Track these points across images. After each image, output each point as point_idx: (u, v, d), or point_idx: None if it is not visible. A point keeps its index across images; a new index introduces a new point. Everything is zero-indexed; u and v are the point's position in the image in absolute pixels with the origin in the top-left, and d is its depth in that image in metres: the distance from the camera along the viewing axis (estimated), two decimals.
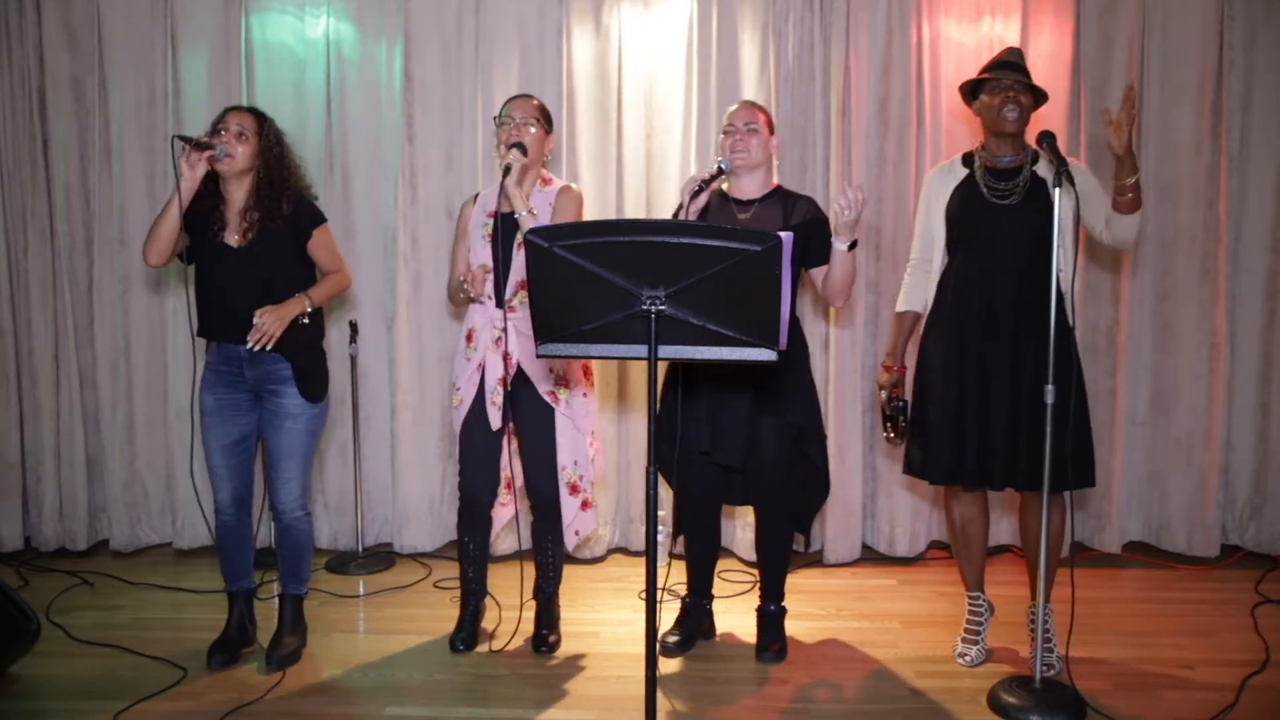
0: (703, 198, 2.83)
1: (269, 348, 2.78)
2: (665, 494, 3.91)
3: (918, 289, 3.04)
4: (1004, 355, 2.80)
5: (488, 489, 3.10)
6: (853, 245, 2.77)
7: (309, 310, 2.86)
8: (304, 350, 2.91)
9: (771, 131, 2.99)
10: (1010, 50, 2.94)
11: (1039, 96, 2.86)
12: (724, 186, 3.02)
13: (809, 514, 3.12)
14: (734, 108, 3.01)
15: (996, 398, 2.81)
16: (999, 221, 2.82)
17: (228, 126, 2.83)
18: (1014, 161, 2.85)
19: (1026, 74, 2.85)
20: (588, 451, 3.10)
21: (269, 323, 2.76)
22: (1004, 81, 2.82)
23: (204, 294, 2.89)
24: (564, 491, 3.05)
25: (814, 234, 2.88)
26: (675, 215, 2.97)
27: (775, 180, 3.08)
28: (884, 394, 3.06)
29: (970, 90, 2.93)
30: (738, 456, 2.90)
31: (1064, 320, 2.73)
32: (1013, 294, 2.80)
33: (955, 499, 3.00)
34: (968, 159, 2.95)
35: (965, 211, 2.87)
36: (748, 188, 2.97)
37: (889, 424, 3.06)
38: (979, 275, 2.84)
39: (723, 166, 2.87)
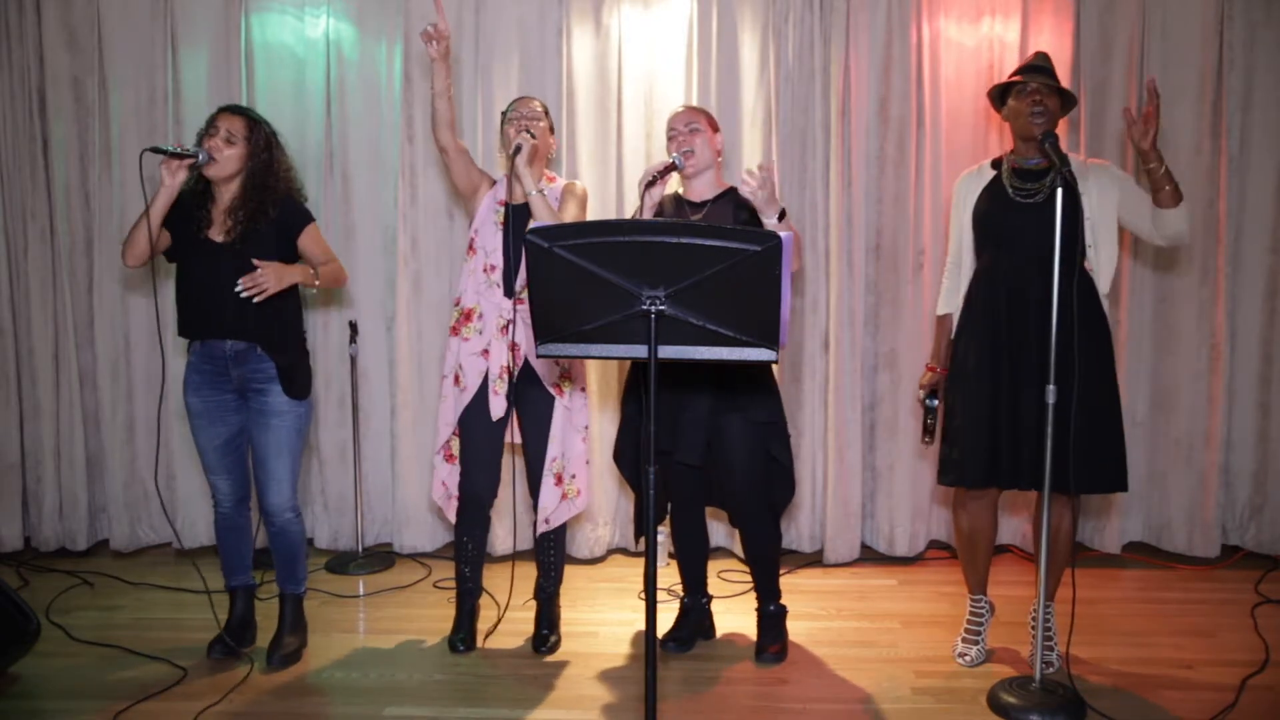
0: (657, 192, 2.84)
1: (256, 299, 2.71)
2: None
3: (954, 292, 3.03)
4: (1038, 352, 2.79)
5: (488, 488, 3.09)
6: (781, 215, 2.74)
7: (315, 283, 2.85)
8: (289, 347, 2.90)
9: (716, 130, 3.00)
10: (1038, 55, 2.93)
11: (1066, 101, 2.85)
12: (679, 190, 3.03)
13: (775, 515, 3.11)
14: (676, 110, 3.04)
15: (1029, 397, 2.79)
16: (1025, 220, 2.81)
17: (217, 129, 2.81)
18: (1041, 163, 2.84)
19: (1054, 78, 2.84)
20: (579, 447, 3.10)
21: (268, 276, 2.72)
22: (1029, 85, 2.80)
23: (187, 290, 2.86)
24: (548, 480, 3.05)
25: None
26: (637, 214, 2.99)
27: (726, 182, 3.07)
28: (922, 394, 3.05)
29: (998, 96, 2.93)
30: (697, 456, 2.90)
31: (1099, 319, 2.77)
32: (1042, 292, 2.78)
33: (964, 505, 2.98)
34: (997, 163, 2.95)
35: (991, 212, 2.87)
36: (699, 189, 2.98)
37: (926, 425, 3.05)
38: (1008, 275, 2.84)
39: (676, 161, 2.88)
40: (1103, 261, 2.81)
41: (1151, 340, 3.99)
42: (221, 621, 3.08)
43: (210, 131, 2.83)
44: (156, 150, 2.72)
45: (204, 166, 2.78)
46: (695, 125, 2.94)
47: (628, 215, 3.92)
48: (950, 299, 3.05)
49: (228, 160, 2.80)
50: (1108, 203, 2.80)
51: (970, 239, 2.95)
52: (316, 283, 2.87)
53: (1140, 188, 2.86)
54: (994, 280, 2.87)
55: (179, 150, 2.74)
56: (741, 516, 3.01)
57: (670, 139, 2.96)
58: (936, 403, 3.02)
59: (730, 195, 2.98)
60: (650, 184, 2.81)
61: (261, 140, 2.86)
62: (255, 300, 2.72)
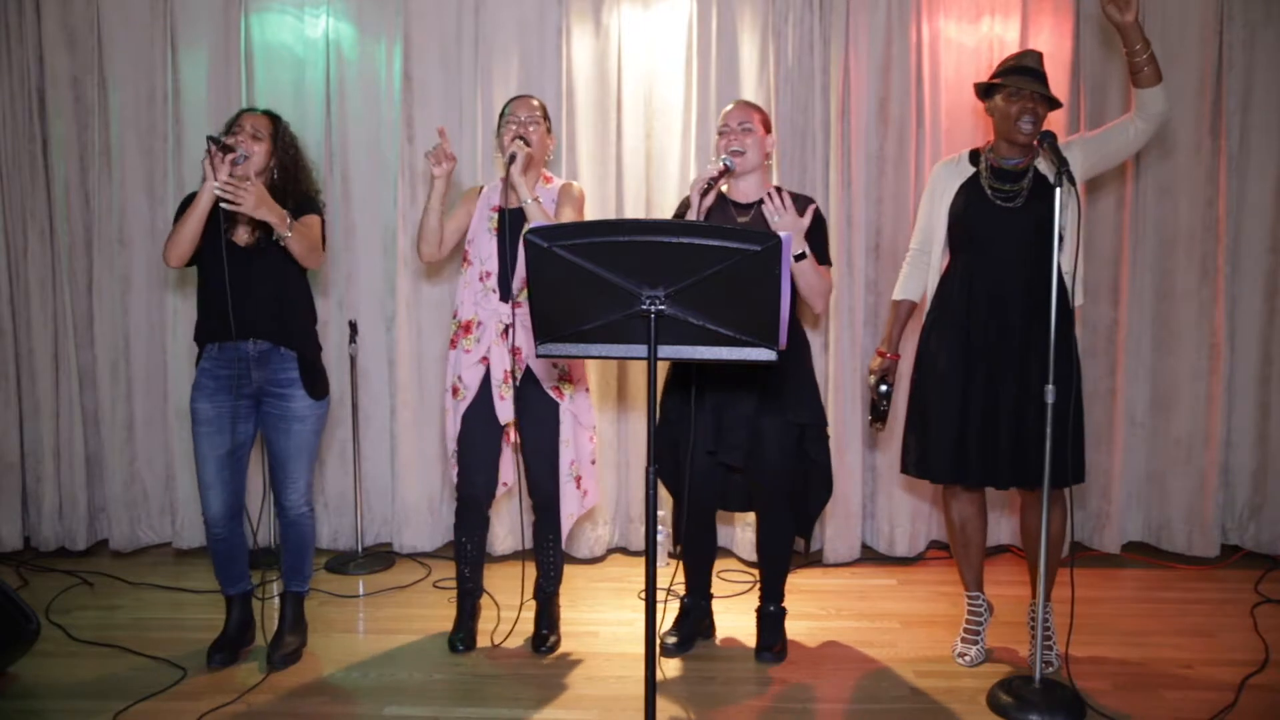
0: (710, 196, 2.82)
1: (228, 200, 2.61)
2: (664, 494, 3.92)
3: (915, 279, 3.03)
4: (1012, 355, 2.80)
5: (487, 488, 3.10)
6: (799, 256, 2.74)
7: (286, 232, 2.71)
8: (308, 339, 2.92)
9: (768, 130, 2.97)
10: (1030, 54, 2.88)
11: (1052, 103, 2.84)
12: (724, 189, 3.01)
13: (810, 516, 3.11)
14: (729, 107, 3.00)
15: (1004, 397, 2.80)
16: (1003, 224, 2.81)
17: (243, 127, 2.84)
18: (1020, 164, 2.84)
19: (1045, 82, 2.82)
20: (588, 447, 3.11)
21: (249, 192, 2.61)
22: (1023, 92, 2.78)
23: (209, 293, 2.86)
24: (569, 485, 3.05)
25: (809, 233, 2.84)
26: (681, 214, 2.97)
27: (774, 182, 3.05)
28: (873, 378, 3.05)
29: (985, 88, 2.90)
30: (740, 456, 2.90)
31: (1068, 318, 2.74)
32: (1020, 294, 2.79)
33: (954, 498, 3.00)
34: (974, 156, 2.93)
35: (969, 213, 2.86)
36: (746, 190, 2.96)
37: (874, 410, 3.05)
38: (985, 276, 2.83)
39: (727, 164, 2.84)
40: (1071, 234, 2.78)
41: (1151, 340, 3.99)
42: (221, 623, 3.07)
43: (235, 130, 2.84)
44: (214, 140, 2.70)
45: (238, 165, 2.77)
46: (748, 124, 2.91)
47: (627, 215, 3.93)
48: (907, 286, 3.05)
49: (256, 156, 2.82)
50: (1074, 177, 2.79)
51: (943, 233, 2.93)
52: (288, 234, 2.72)
53: (1096, 132, 2.85)
54: (970, 280, 2.86)
55: (226, 143, 2.74)
56: (767, 514, 3.01)
57: (721, 134, 2.93)
58: (886, 388, 3.01)
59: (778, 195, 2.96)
60: (705, 190, 2.78)
61: (287, 138, 2.91)
62: (224, 204, 2.63)
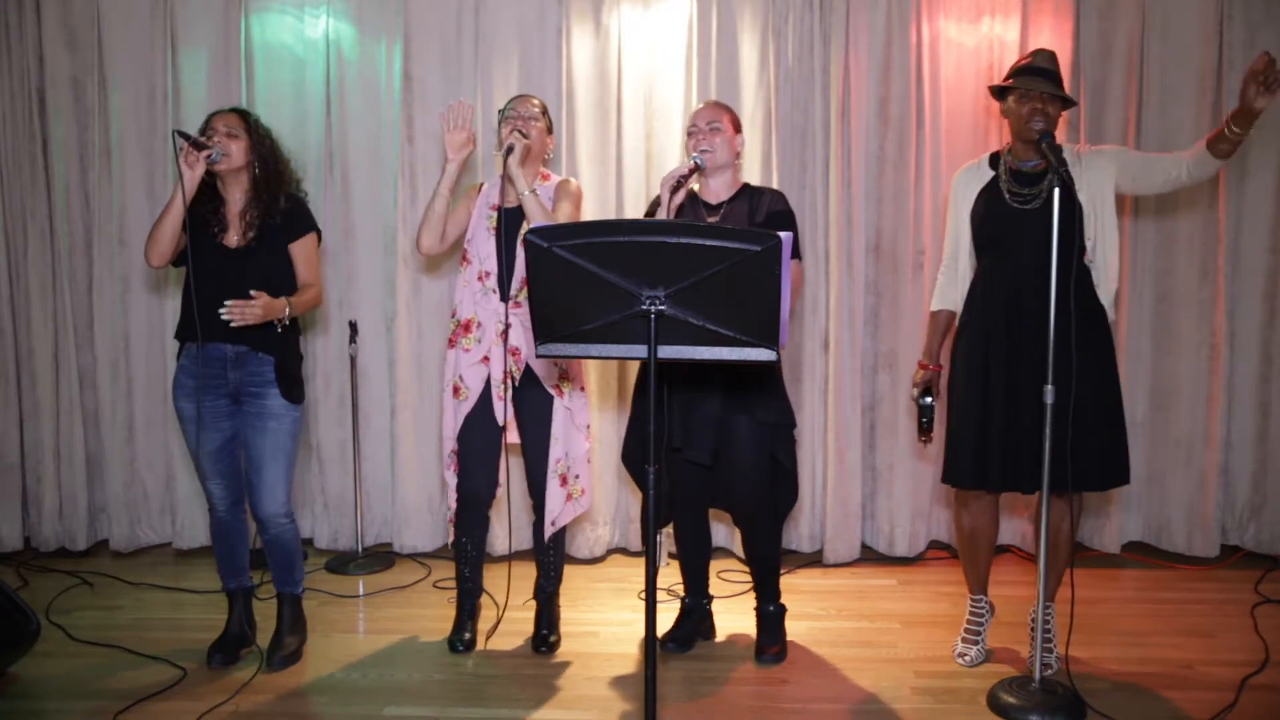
0: (680, 194, 2.83)
1: (234, 324, 2.71)
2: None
3: (950, 288, 3.02)
4: (1034, 358, 2.78)
5: (487, 489, 3.09)
6: None
7: (286, 317, 2.83)
8: (287, 347, 2.91)
9: (737, 130, 2.98)
10: (1041, 54, 2.86)
11: (1066, 101, 2.83)
12: (695, 188, 3.02)
13: (779, 520, 3.09)
14: (698, 107, 3.02)
15: (1026, 401, 2.78)
16: (1023, 227, 2.80)
17: (216, 129, 2.84)
18: (1038, 166, 2.83)
19: (1059, 82, 2.81)
20: (583, 446, 3.10)
21: (257, 308, 2.72)
22: (1033, 92, 2.78)
23: (198, 293, 2.84)
24: (554, 483, 3.04)
25: (777, 228, 2.83)
26: (651, 212, 2.97)
27: (743, 179, 3.06)
28: (915, 391, 3.04)
29: (999, 91, 2.90)
30: (707, 455, 2.90)
31: (1098, 311, 2.79)
32: (1039, 297, 2.77)
33: (965, 505, 2.98)
34: (994, 160, 2.94)
35: (989, 216, 2.86)
36: (716, 189, 2.97)
37: (919, 423, 3.05)
38: (1006, 279, 2.83)
39: (698, 161, 2.85)
40: (1107, 251, 2.80)
41: (1151, 340, 3.99)
42: (221, 623, 3.07)
43: (209, 133, 2.84)
44: (184, 135, 2.72)
45: (217, 163, 2.79)
46: (717, 124, 2.92)
47: (627, 215, 3.93)
48: (944, 295, 3.04)
49: (236, 153, 2.83)
50: (1103, 188, 2.78)
51: (968, 239, 2.94)
52: (288, 313, 2.83)
53: (1143, 153, 2.87)
54: (992, 284, 2.86)
55: (199, 140, 2.75)
56: (745, 517, 3.00)
57: (690, 134, 2.94)
58: (929, 400, 3.01)
59: (745, 193, 2.97)
60: (676, 188, 2.79)
61: (261, 130, 2.91)
62: (232, 324, 2.72)
